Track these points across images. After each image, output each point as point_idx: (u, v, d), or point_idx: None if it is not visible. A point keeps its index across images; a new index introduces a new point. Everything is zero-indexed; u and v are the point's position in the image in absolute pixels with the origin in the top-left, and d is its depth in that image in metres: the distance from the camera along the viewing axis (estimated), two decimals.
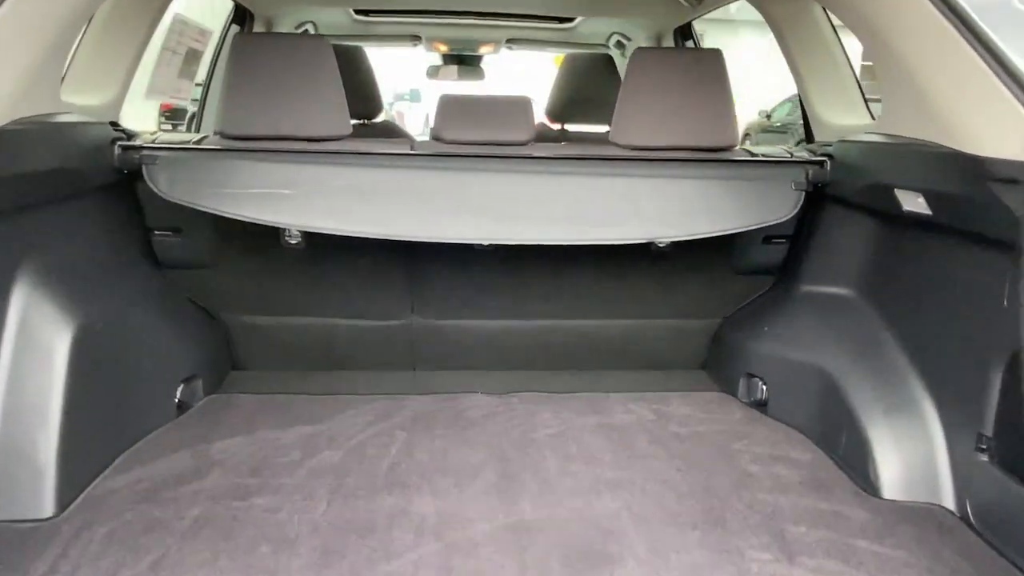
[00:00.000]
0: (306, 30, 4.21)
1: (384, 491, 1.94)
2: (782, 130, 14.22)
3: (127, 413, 2.12)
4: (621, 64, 4.34)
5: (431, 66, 5.21)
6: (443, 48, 4.90)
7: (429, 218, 2.33)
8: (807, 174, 2.39)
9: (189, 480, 1.95)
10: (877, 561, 1.72)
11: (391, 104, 18.83)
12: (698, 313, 2.79)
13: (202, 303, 2.63)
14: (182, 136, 2.50)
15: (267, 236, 2.37)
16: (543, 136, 4.08)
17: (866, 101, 2.59)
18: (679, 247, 2.48)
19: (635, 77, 2.44)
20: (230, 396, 2.49)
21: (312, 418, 2.33)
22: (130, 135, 2.29)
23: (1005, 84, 1.50)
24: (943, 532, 1.84)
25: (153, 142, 2.30)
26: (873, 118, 2.55)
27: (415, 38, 4.64)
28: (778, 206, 2.37)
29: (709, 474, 2.08)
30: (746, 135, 15.72)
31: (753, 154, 2.48)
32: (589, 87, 3.94)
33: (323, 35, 4.29)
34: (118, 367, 2.08)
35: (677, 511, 1.89)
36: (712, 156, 2.42)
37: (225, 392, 2.54)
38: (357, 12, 4.07)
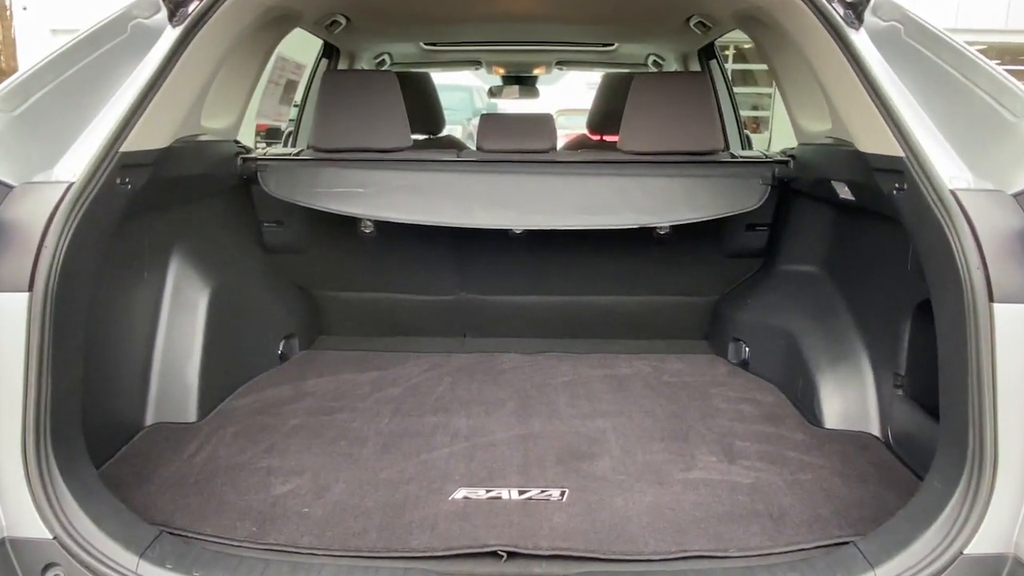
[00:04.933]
0: (383, 60, 4.96)
1: (430, 413, 2.58)
2: None
3: (246, 356, 2.84)
4: None
5: (492, 86, 5.91)
6: (501, 71, 5.58)
7: (471, 210, 2.97)
8: (774, 172, 2.92)
9: (290, 403, 2.65)
10: (800, 464, 2.24)
11: (469, 119, 19.80)
12: (697, 291, 3.33)
13: (298, 280, 3.36)
14: (284, 150, 3.23)
15: (347, 226, 3.06)
16: (585, 145, 4.69)
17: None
18: (677, 233, 3.04)
19: (636, 97, 3.03)
20: (319, 352, 3.20)
21: (380, 366, 3.00)
22: (248, 150, 3.04)
23: (873, 99, 2.00)
24: (863, 449, 2.34)
25: (264, 155, 3.04)
26: None
27: (476, 63, 5.33)
28: (746, 198, 2.90)
29: (684, 408, 2.63)
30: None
31: (734, 156, 3.02)
32: (623, 102, 4.51)
33: (396, 64, 5.05)
34: (239, 322, 2.81)
35: (651, 430, 2.46)
36: (698, 159, 2.97)
37: (316, 349, 3.25)
38: (426, 44, 4.79)
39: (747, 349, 3.04)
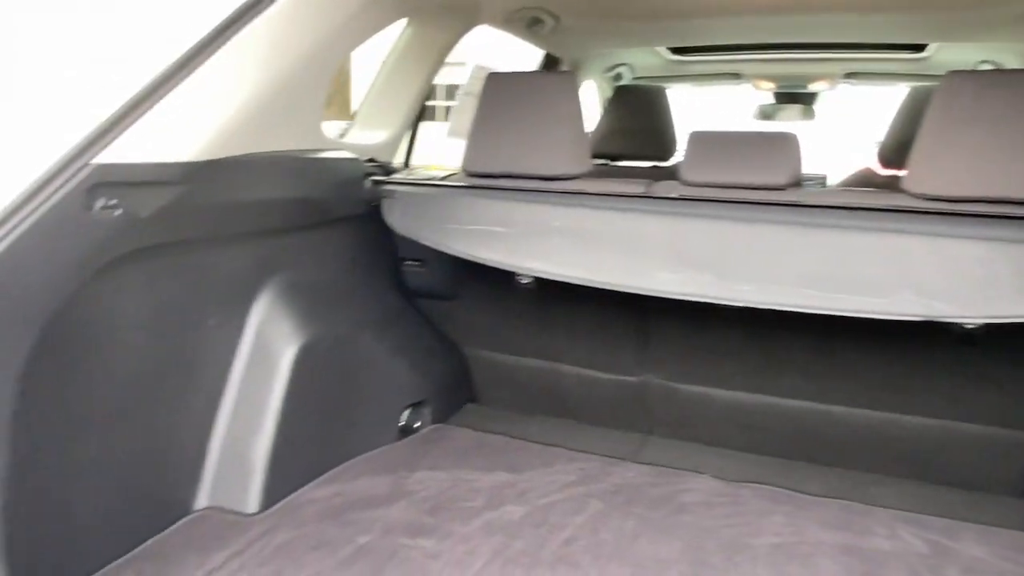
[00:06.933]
0: (619, 74, 4.19)
1: (546, 566, 1.74)
2: None
3: (344, 431, 2.24)
4: None
5: (763, 106, 4.82)
6: (771, 85, 4.49)
7: (662, 269, 2.09)
8: None
9: (375, 506, 1.99)
10: None
11: None
12: (1014, 421, 2.05)
13: (446, 333, 2.71)
14: (432, 172, 2.62)
15: (501, 273, 2.34)
16: (868, 183, 3.48)
17: None
18: (997, 330, 1.84)
19: (942, 108, 1.90)
20: (451, 429, 2.51)
21: (515, 464, 2.23)
22: (388, 171, 2.46)
23: None
24: None
25: (404, 178, 2.44)
26: None
27: (735, 76, 4.32)
28: None
29: None
30: None
31: None
32: None
33: (637, 79, 4.25)
34: (341, 386, 2.22)
35: None
36: None
37: (449, 424, 2.57)
38: (673, 51, 3.93)
39: None
